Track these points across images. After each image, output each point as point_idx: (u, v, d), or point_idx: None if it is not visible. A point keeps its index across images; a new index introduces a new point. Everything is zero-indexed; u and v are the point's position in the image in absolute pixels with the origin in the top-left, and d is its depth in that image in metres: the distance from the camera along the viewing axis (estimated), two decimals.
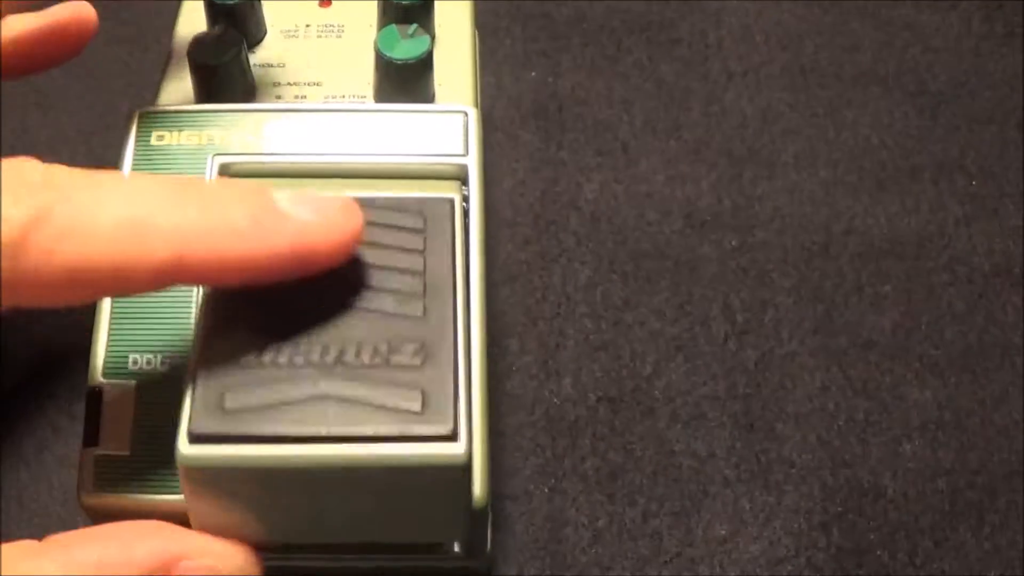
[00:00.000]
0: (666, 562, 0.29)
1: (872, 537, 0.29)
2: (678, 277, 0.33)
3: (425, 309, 0.25)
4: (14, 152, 0.21)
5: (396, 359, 0.24)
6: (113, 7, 0.36)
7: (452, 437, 0.23)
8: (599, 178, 0.34)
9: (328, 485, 0.24)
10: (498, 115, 0.30)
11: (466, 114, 0.29)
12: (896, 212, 0.34)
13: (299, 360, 0.24)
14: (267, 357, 0.24)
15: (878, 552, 0.29)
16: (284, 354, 0.24)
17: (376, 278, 0.25)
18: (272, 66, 0.31)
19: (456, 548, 0.27)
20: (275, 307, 0.25)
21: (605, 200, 0.34)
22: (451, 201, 0.27)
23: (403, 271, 0.26)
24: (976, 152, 0.35)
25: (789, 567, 0.29)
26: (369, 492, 0.24)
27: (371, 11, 0.32)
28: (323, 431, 0.23)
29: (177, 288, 0.27)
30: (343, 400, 0.24)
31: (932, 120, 0.36)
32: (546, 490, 0.30)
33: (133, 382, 0.26)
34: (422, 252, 0.26)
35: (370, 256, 0.26)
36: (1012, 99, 0.36)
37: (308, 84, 0.31)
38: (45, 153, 0.21)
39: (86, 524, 0.29)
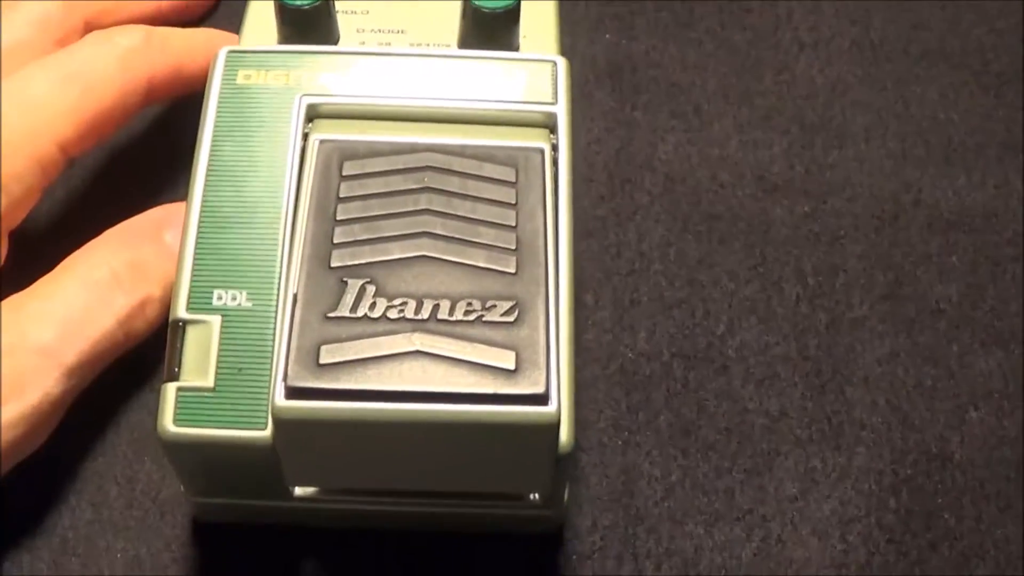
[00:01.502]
0: (738, 518, 0.29)
1: (940, 501, 0.30)
2: (751, 239, 0.33)
3: (518, 265, 0.25)
4: None
5: (489, 316, 0.24)
6: None
7: (544, 398, 0.23)
8: (673, 139, 0.34)
9: (420, 439, 0.24)
10: (573, 75, 0.30)
11: (555, 63, 0.29)
12: (962, 186, 0.34)
13: (393, 314, 0.24)
14: (361, 310, 0.24)
15: (945, 516, 0.30)
16: (378, 308, 0.25)
17: (469, 231, 0.26)
18: (356, 13, 0.31)
19: (534, 497, 0.27)
20: (370, 257, 0.25)
21: (679, 161, 0.34)
22: (542, 151, 0.27)
23: (495, 225, 0.26)
24: None
25: (859, 526, 0.29)
26: (461, 447, 0.24)
27: None
28: (418, 388, 0.23)
29: (262, 225, 0.27)
30: (437, 357, 0.24)
31: (996, 99, 0.36)
32: (620, 443, 0.30)
33: (218, 317, 0.26)
34: (514, 206, 0.26)
35: (462, 208, 0.26)
36: None
37: (392, 32, 0.31)
38: None
39: (152, 464, 0.29)
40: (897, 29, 0.37)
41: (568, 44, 0.34)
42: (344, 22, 0.31)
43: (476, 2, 0.29)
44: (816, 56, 0.36)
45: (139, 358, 0.29)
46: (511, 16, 0.30)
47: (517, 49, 0.30)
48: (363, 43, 0.31)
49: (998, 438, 0.31)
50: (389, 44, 0.31)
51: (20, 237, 0.30)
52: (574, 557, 0.28)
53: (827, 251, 0.33)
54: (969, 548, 0.29)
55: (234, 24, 0.32)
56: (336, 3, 0.31)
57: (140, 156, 0.34)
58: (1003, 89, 0.36)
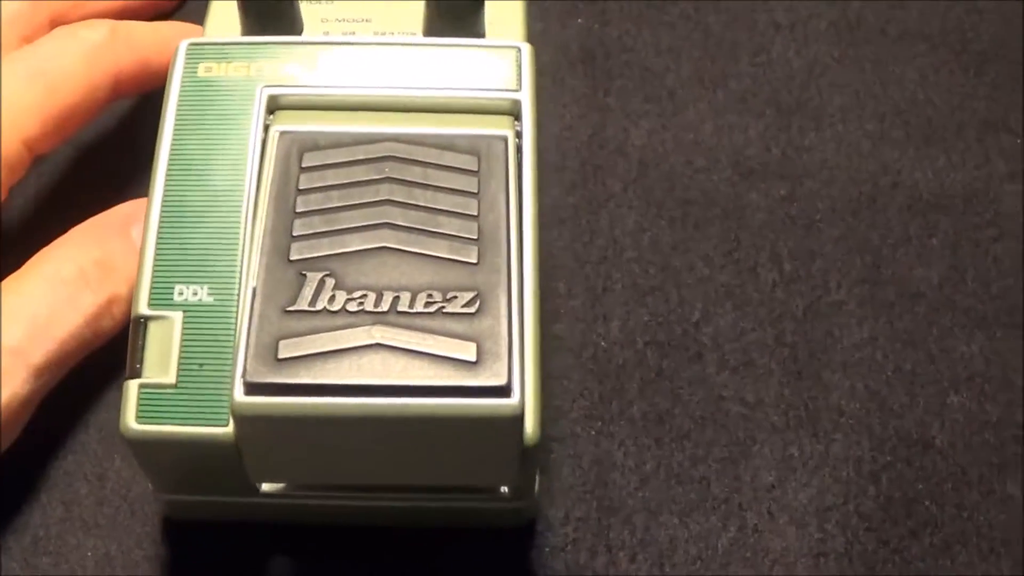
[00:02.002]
0: (714, 508, 0.29)
1: (920, 487, 0.29)
2: (726, 224, 0.32)
3: (479, 255, 0.25)
4: None
5: (450, 308, 0.24)
6: None
7: (506, 390, 0.23)
8: (647, 125, 0.34)
9: (381, 434, 0.24)
10: (545, 60, 0.30)
11: (519, 49, 0.29)
12: (942, 167, 0.34)
13: (352, 307, 0.24)
14: (320, 303, 0.24)
15: (926, 503, 0.29)
16: (338, 300, 0.24)
17: (430, 222, 0.25)
18: (320, 1, 0.31)
19: (504, 490, 0.27)
20: (329, 250, 0.25)
21: (652, 147, 0.33)
22: (505, 139, 0.27)
23: (457, 215, 0.25)
24: (1020, 111, 0.35)
25: (837, 515, 0.29)
26: (423, 440, 0.24)
27: None
28: (377, 381, 0.23)
29: (223, 219, 0.26)
30: (397, 350, 0.23)
31: (977, 78, 0.36)
32: (593, 433, 0.29)
33: (179, 312, 0.26)
34: (476, 195, 0.26)
35: (423, 198, 0.26)
36: None
37: (357, 20, 0.30)
38: None
39: (122, 462, 0.29)
40: (875, 9, 0.37)
41: (539, 29, 0.34)
42: (308, 12, 0.30)
43: None
44: (792, 38, 0.36)
45: (108, 355, 0.29)
46: (475, 2, 0.29)
47: (483, 36, 0.30)
48: (327, 33, 0.30)
49: (980, 423, 0.30)
50: (353, 33, 0.30)
51: None
52: (547, 550, 0.28)
53: (804, 235, 0.32)
54: (951, 535, 0.29)
55: (201, 18, 0.31)
56: None
57: (107, 152, 0.33)
58: (983, 68, 0.36)
